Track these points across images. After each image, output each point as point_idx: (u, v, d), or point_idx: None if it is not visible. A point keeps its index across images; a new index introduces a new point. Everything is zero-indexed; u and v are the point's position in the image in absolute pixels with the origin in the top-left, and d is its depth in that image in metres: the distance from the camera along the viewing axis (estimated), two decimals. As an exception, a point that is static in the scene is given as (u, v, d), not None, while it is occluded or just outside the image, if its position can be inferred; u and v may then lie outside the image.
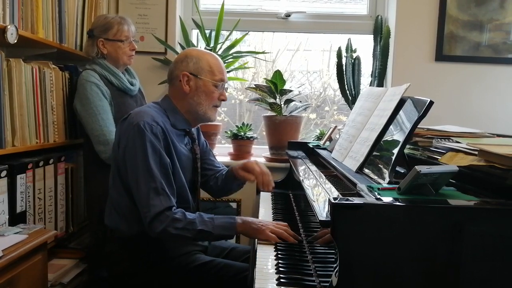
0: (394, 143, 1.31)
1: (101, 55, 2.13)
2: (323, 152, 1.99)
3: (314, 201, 1.22)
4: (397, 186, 1.06)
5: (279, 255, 1.40)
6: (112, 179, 1.66)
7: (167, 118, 1.67)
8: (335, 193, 1.27)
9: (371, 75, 2.71)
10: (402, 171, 1.40)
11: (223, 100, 1.74)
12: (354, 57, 2.67)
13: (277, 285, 1.20)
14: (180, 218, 1.50)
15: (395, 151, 1.27)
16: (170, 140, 1.62)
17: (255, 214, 1.97)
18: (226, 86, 1.76)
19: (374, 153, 1.42)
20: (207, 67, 1.68)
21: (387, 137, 1.39)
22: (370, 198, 1.01)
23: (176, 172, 1.64)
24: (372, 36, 2.73)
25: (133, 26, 2.20)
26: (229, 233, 1.56)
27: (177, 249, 1.64)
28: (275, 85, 2.59)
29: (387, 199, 0.99)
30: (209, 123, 1.88)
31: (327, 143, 2.23)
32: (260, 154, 2.80)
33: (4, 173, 1.67)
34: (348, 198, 0.98)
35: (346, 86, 2.68)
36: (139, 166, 1.53)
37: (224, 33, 2.74)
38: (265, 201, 2.09)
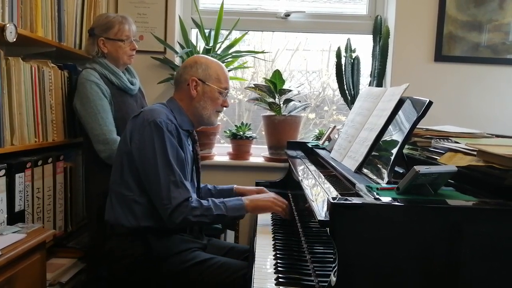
0: (393, 143, 1.31)
1: (102, 54, 2.12)
2: (322, 152, 1.99)
3: (313, 201, 1.22)
4: (396, 186, 1.06)
5: (278, 255, 1.40)
6: (120, 173, 1.68)
7: (174, 118, 1.73)
8: (334, 193, 1.27)
9: (370, 75, 2.71)
10: (401, 171, 1.40)
11: (226, 106, 1.85)
12: (353, 57, 2.67)
13: (275, 284, 1.20)
14: (197, 206, 1.60)
15: (394, 151, 1.27)
16: (181, 138, 1.70)
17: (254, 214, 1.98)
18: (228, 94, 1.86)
19: (373, 153, 1.42)
20: (214, 75, 1.78)
21: (386, 137, 1.39)
22: (369, 198, 1.01)
23: (184, 170, 1.70)
24: (371, 36, 2.73)
25: (134, 25, 2.20)
26: (240, 214, 1.68)
27: (176, 246, 1.66)
28: (274, 85, 2.59)
29: (386, 199, 0.99)
30: (211, 126, 1.95)
31: (326, 143, 2.23)
32: (259, 154, 2.80)
33: (2, 172, 1.67)
34: (347, 198, 0.98)
35: (345, 86, 2.68)
36: (159, 160, 1.60)
37: (224, 32, 2.74)
38: (264, 200, 2.09)
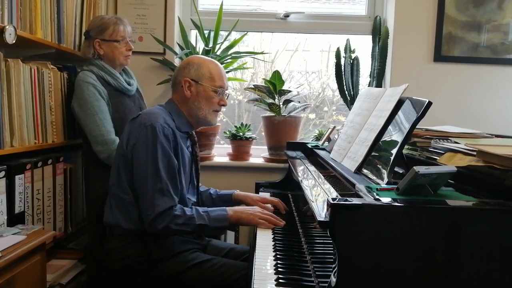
0: (393, 143, 1.31)
1: (98, 55, 2.13)
2: (321, 153, 1.99)
3: (313, 202, 1.22)
4: (396, 186, 1.06)
5: (278, 256, 1.40)
6: (117, 176, 1.68)
7: (172, 121, 1.72)
8: (334, 193, 1.27)
9: (370, 75, 2.71)
10: (401, 172, 1.40)
11: (223, 105, 1.81)
12: (352, 58, 2.68)
13: (276, 285, 1.20)
14: (180, 214, 1.58)
15: (394, 151, 1.27)
16: (178, 142, 1.68)
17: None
18: (226, 92, 1.82)
19: (373, 153, 1.42)
20: (207, 73, 1.75)
21: (386, 137, 1.39)
22: (368, 199, 1.01)
23: (181, 174, 1.69)
24: (370, 36, 2.73)
25: (129, 26, 2.20)
26: (223, 225, 1.64)
27: (176, 246, 1.66)
28: (274, 86, 2.59)
29: (385, 199, 0.99)
30: (210, 126, 1.92)
31: (326, 143, 2.24)
32: (259, 154, 2.80)
33: (2, 173, 1.67)
34: (347, 198, 0.98)
35: (344, 86, 2.68)
36: (148, 166, 1.60)
37: (223, 33, 2.74)
38: (264, 201, 2.08)
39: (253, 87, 2.71)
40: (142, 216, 1.59)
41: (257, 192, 2.31)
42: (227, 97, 1.85)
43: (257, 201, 1.90)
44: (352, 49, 2.69)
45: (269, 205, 1.86)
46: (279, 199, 1.91)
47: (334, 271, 0.95)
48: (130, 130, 1.67)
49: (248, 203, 1.91)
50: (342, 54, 2.68)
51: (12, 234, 1.55)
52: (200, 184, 2.04)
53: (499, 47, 2.67)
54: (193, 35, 2.89)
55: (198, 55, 2.14)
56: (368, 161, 1.42)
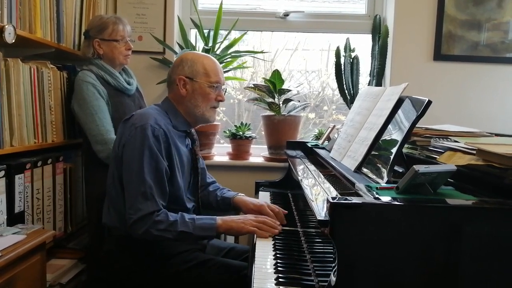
0: (393, 142, 1.31)
1: (98, 55, 2.13)
2: (321, 152, 1.99)
3: (312, 201, 1.22)
4: (396, 185, 1.06)
5: (278, 255, 1.40)
6: (112, 178, 1.67)
7: (169, 120, 1.70)
8: (333, 192, 1.27)
9: (370, 74, 2.71)
10: (401, 171, 1.40)
11: (221, 100, 1.76)
12: (352, 57, 2.67)
13: (275, 284, 1.20)
14: (162, 219, 1.53)
15: (394, 150, 1.27)
16: (172, 142, 1.64)
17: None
18: (223, 87, 1.78)
19: (373, 152, 1.42)
20: (202, 69, 1.71)
21: (386, 136, 1.39)
22: (368, 198, 1.01)
23: (175, 175, 1.66)
24: (370, 35, 2.73)
25: (129, 26, 2.20)
26: (209, 234, 1.58)
27: (175, 247, 1.65)
28: (274, 85, 2.59)
29: (385, 198, 0.99)
30: (209, 123, 1.88)
31: (326, 142, 2.24)
32: (258, 153, 2.80)
33: (2, 173, 1.67)
34: (347, 197, 0.98)
35: (344, 85, 2.68)
36: (134, 168, 1.56)
37: (223, 32, 2.74)
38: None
39: (252, 86, 2.71)
40: (125, 217, 1.56)
41: (257, 191, 2.31)
42: (225, 92, 1.80)
43: (252, 211, 1.74)
44: (352, 48, 2.69)
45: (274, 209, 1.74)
46: (279, 208, 1.72)
47: (334, 270, 0.95)
48: (123, 131, 1.65)
49: (244, 211, 1.79)
50: (342, 53, 2.68)
51: (12, 234, 1.55)
52: (215, 181, 2.01)
53: (499, 46, 2.67)
54: (193, 34, 2.89)
55: (192, 51, 2.11)
56: (368, 160, 1.42)
